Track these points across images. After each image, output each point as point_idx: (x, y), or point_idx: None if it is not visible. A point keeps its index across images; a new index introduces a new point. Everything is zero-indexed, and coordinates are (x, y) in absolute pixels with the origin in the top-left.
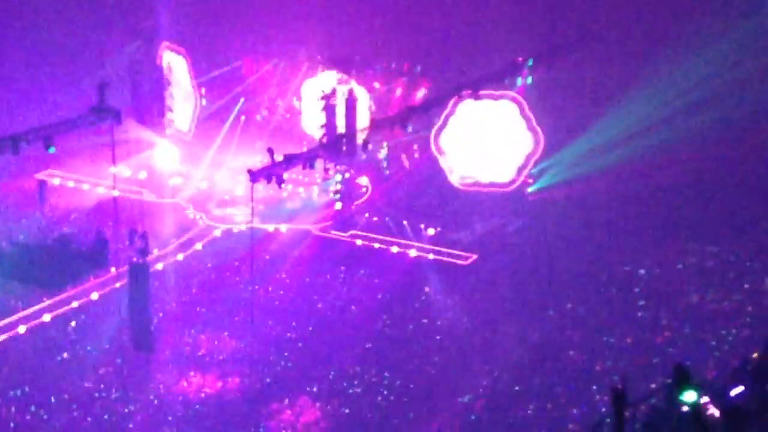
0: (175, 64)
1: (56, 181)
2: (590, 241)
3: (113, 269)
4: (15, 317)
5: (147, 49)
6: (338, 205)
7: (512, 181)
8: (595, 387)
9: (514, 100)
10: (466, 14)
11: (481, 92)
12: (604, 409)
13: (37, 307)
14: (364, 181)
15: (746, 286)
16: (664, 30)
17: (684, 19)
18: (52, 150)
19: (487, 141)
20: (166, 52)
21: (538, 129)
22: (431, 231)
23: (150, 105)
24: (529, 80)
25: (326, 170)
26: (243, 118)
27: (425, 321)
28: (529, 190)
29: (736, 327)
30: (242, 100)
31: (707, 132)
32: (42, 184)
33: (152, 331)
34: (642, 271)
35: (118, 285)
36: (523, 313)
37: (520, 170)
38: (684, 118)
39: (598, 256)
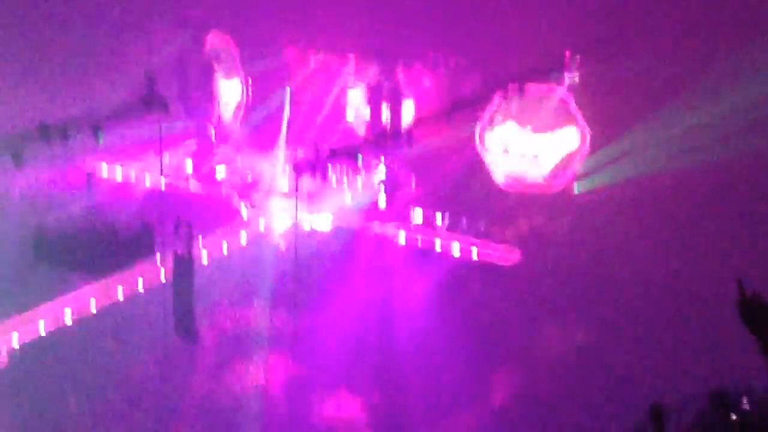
0: (222, 54)
1: (103, 170)
2: (638, 244)
3: (158, 258)
4: (59, 303)
5: (195, 39)
6: (382, 199)
7: (558, 179)
8: (636, 392)
9: (561, 96)
10: (513, 8)
11: (528, 88)
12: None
13: (81, 295)
14: (408, 175)
15: None
16: (728, 25)
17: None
18: (101, 139)
19: (533, 137)
20: (214, 42)
21: (586, 126)
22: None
23: (197, 95)
24: (577, 76)
25: (371, 164)
26: (288, 109)
27: (466, 317)
28: (576, 189)
29: None
30: (288, 89)
31: None
32: (89, 172)
33: (196, 321)
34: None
35: (162, 273)
36: (566, 313)
37: (566, 168)
38: (747, 120)
39: (646, 259)
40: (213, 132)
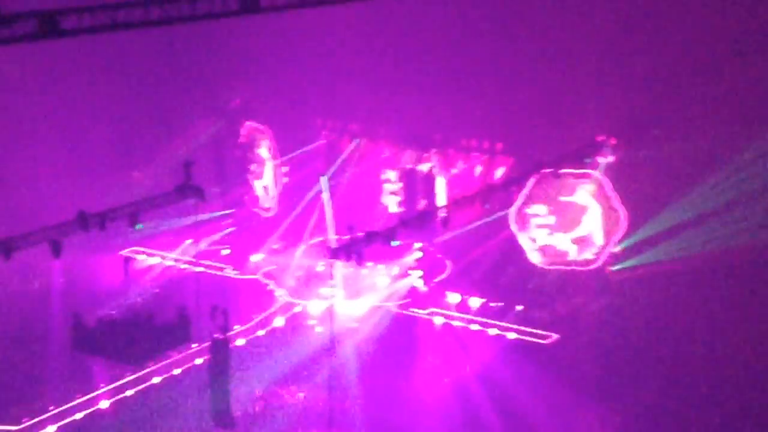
0: (258, 142)
1: (141, 258)
2: (676, 322)
3: (195, 345)
4: (97, 393)
5: (231, 128)
6: (418, 283)
7: (594, 260)
8: None
9: (595, 178)
10: (546, 92)
11: (562, 170)
12: None
13: (119, 383)
14: (444, 258)
15: None
16: (754, 104)
17: None
18: (138, 227)
19: (568, 219)
20: (250, 131)
21: (621, 207)
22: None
23: (233, 183)
24: (611, 158)
25: (406, 248)
26: (326, 195)
27: (504, 401)
28: (612, 269)
29: None
30: (325, 177)
31: None
32: (127, 260)
33: (233, 407)
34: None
35: (199, 361)
36: (604, 395)
37: (602, 249)
38: None
39: (684, 337)
40: (249, 219)
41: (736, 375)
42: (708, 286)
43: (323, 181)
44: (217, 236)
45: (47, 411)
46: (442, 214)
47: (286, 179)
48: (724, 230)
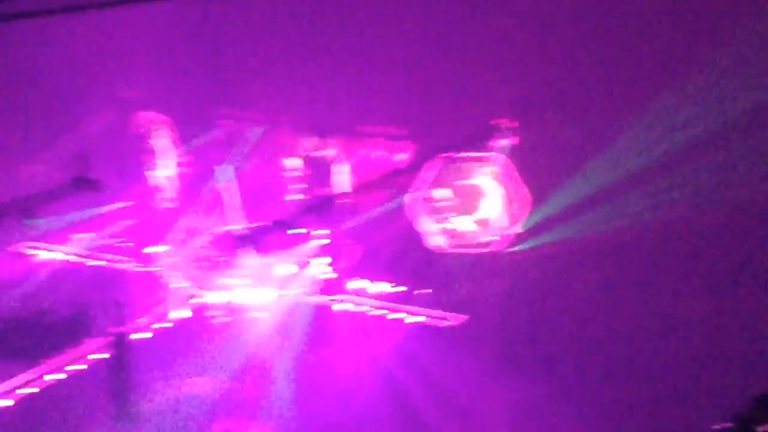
0: (155, 132)
1: (34, 253)
2: (577, 301)
3: (92, 340)
4: None
5: (129, 118)
6: (323, 270)
7: (497, 242)
8: None
9: (496, 160)
10: (448, 77)
11: (463, 154)
12: None
13: (15, 381)
14: (348, 245)
15: None
16: (655, 79)
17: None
18: (32, 222)
19: (470, 202)
20: (147, 121)
21: (522, 189)
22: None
23: (132, 174)
24: (512, 141)
25: (310, 235)
26: (227, 184)
27: (414, 382)
28: (514, 249)
29: None
30: (227, 166)
31: (706, 180)
32: (21, 255)
33: (133, 401)
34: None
35: (96, 356)
36: (508, 372)
37: (504, 230)
38: (680, 167)
39: (584, 316)
40: (148, 211)
41: (637, 346)
42: (608, 264)
43: (224, 171)
44: (115, 228)
45: None
46: (345, 200)
47: (186, 169)
48: (624, 209)
